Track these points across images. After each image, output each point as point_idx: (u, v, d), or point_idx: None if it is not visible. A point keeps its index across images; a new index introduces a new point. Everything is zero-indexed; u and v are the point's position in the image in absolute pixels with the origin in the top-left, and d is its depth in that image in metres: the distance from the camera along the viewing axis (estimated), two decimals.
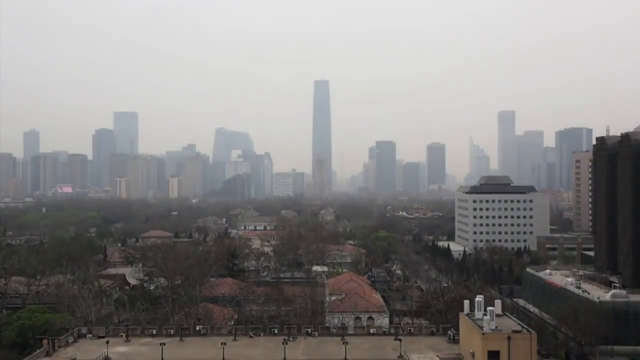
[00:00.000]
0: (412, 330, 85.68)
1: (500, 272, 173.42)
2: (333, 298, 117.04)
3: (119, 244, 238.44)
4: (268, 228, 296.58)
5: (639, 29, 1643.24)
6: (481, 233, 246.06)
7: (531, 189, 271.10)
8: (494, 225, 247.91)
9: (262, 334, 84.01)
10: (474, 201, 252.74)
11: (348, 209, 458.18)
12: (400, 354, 71.81)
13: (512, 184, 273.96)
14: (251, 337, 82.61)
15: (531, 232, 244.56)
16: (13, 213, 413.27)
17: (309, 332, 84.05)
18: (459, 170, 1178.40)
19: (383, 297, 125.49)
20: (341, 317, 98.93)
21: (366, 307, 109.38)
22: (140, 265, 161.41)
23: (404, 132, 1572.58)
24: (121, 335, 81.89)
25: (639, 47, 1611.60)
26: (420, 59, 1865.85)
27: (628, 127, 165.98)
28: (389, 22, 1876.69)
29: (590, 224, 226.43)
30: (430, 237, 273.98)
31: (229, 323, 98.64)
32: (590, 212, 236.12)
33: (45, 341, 76.07)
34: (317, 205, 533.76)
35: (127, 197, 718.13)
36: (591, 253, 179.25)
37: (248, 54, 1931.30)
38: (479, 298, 74.72)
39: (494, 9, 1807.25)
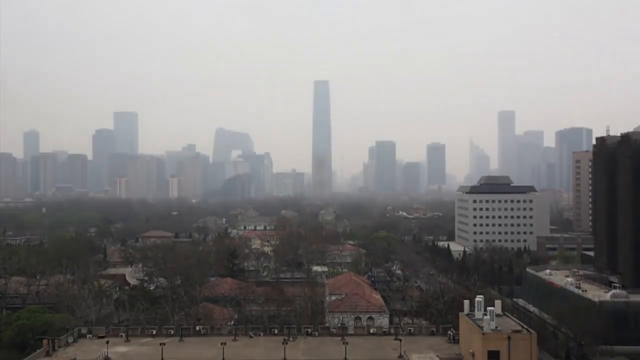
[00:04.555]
0: (412, 330, 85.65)
1: (500, 272, 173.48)
2: (333, 298, 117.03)
3: (119, 244, 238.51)
4: (268, 228, 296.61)
5: (639, 29, 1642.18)
6: (481, 233, 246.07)
7: (531, 189, 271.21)
8: (494, 225, 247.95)
9: (262, 334, 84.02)
10: (474, 201, 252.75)
11: (348, 209, 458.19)
12: (400, 354, 71.82)
13: (512, 184, 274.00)
14: (251, 337, 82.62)
15: (531, 232, 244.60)
16: (13, 213, 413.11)
17: (309, 332, 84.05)
18: (459, 170, 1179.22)
19: (383, 297, 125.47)
20: (341, 317, 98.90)
21: (366, 307, 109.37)
22: (140, 265, 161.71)
23: (404, 132, 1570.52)
24: (121, 335, 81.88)
25: (639, 47, 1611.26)
26: (419, 59, 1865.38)
27: (628, 127, 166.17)
28: (389, 23, 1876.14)
29: (590, 224, 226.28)
30: (430, 237, 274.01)
31: (229, 323, 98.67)
32: (590, 212, 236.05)
33: (45, 341, 76.04)
34: (317, 205, 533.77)
35: (127, 197, 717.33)
36: (591, 253, 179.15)
37: (248, 54, 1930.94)
38: (479, 298, 74.73)
39: (493, 9, 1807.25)
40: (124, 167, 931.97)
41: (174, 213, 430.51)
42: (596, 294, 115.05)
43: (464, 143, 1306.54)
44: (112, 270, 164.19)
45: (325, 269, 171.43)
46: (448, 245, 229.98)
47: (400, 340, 74.16)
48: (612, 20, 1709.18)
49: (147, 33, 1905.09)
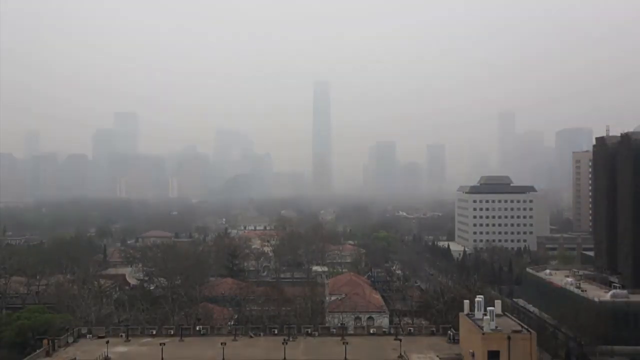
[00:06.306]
0: (412, 330, 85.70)
1: (500, 272, 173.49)
2: (333, 298, 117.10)
3: (119, 244, 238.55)
4: (268, 228, 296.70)
5: (639, 29, 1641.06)
6: (481, 233, 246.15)
7: (531, 189, 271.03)
8: (494, 225, 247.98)
9: (262, 334, 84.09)
10: (474, 201, 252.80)
11: (348, 209, 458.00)
12: (400, 354, 71.83)
13: (512, 184, 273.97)
14: (251, 337, 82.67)
15: (531, 232, 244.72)
16: (13, 213, 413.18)
17: (309, 332, 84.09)
18: (459, 170, 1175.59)
19: (383, 297, 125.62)
20: (341, 317, 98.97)
21: (366, 307, 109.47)
22: (140, 265, 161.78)
23: (404, 132, 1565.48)
24: (121, 335, 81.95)
25: (639, 47, 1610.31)
26: (419, 59, 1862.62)
27: (628, 127, 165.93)
28: (388, 23, 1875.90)
29: (590, 224, 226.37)
30: (430, 237, 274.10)
31: (229, 323, 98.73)
32: (590, 212, 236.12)
33: (45, 341, 76.09)
34: (317, 205, 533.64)
35: (127, 197, 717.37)
36: (591, 253, 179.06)
37: (248, 54, 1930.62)
38: (479, 298, 74.77)
39: (493, 9, 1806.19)
40: (124, 167, 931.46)
41: (174, 213, 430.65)
42: (596, 294, 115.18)
43: (464, 143, 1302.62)
44: (112, 270, 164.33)
45: (325, 269, 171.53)
46: (448, 245, 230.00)
47: (400, 340, 74.19)
48: (612, 20, 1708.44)
49: (147, 33, 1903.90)
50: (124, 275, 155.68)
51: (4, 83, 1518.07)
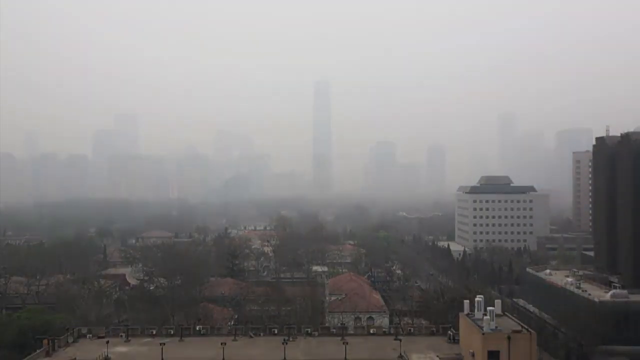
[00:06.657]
0: (412, 330, 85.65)
1: (500, 272, 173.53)
2: (333, 298, 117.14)
3: (119, 244, 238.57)
4: (268, 228, 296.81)
5: (639, 29, 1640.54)
6: (481, 233, 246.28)
7: (531, 189, 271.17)
8: (494, 225, 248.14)
9: (262, 334, 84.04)
10: (474, 201, 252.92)
11: (348, 209, 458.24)
12: (400, 354, 71.80)
13: (512, 184, 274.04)
14: (251, 337, 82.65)
15: (531, 232, 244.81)
16: (13, 213, 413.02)
17: (309, 332, 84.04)
18: (459, 171, 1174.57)
19: (383, 297, 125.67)
20: (341, 317, 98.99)
21: (366, 307, 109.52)
22: (140, 265, 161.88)
23: (404, 133, 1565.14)
24: (121, 335, 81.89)
25: (639, 47, 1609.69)
26: (420, 60, 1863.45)
27: (628, 127, 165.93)
28: (389, 24, 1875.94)
29: (590, 224, 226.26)
30: (430, 237, 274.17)
31: (229, 323, 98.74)
32: (590, 212, 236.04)
33: (45, 341, 75.99)
34: (317, 206, 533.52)
35: (127, 197, 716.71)
36: (591, 253, 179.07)
37: (248, 54, 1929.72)
38: (479, 298, 74.73)
39: (493, 9, 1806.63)
40: (124, 167, 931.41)
41: (174, 213, 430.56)
42: (596, 294, 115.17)
43: (464, 143, 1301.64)
44: (112, 270, 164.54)
45: (325, 269, 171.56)
46: (448, 245, 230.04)
47: (400, 340, 74.11)
48: (612, 19, 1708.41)
49: (148, 33, 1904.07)
50: (124, 275, 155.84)
51: (3, 83, 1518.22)
